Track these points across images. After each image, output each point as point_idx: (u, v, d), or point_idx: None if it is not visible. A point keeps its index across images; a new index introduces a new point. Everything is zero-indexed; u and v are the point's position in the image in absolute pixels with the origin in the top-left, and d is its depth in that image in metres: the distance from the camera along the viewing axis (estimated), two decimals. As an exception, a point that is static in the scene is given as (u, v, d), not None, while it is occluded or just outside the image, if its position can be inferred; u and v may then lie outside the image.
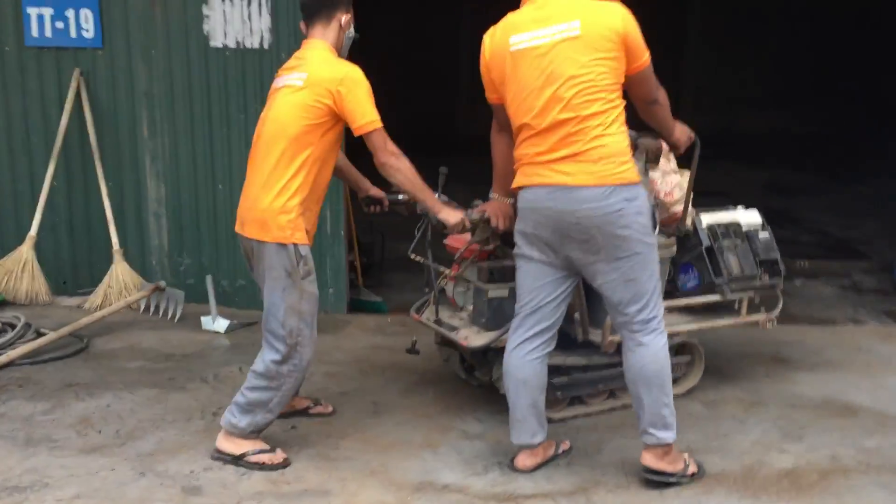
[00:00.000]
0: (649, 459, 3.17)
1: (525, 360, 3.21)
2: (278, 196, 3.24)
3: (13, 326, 4.59)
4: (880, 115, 13.48)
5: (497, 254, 3.64)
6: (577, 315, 3.59)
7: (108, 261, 5.48)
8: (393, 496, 3.16)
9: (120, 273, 5.34)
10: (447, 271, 3.80)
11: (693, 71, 15.22)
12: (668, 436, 3.12)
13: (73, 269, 5.68)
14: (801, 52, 15.26)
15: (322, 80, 3.23)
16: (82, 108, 5.46)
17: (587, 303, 3.55)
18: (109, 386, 4.16)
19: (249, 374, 3.39)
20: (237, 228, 3.43)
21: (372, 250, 6.28)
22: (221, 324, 5.00)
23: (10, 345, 4.44)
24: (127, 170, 5.62)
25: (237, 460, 3.33)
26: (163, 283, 5.23)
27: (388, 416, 3.85)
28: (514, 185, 3.21)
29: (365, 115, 3.22)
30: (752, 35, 15.09)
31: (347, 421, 3.80)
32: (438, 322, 3.77)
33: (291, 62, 3.41)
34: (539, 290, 3.18)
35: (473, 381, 4.04)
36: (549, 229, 3.07)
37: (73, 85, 5.44)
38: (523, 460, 3.32)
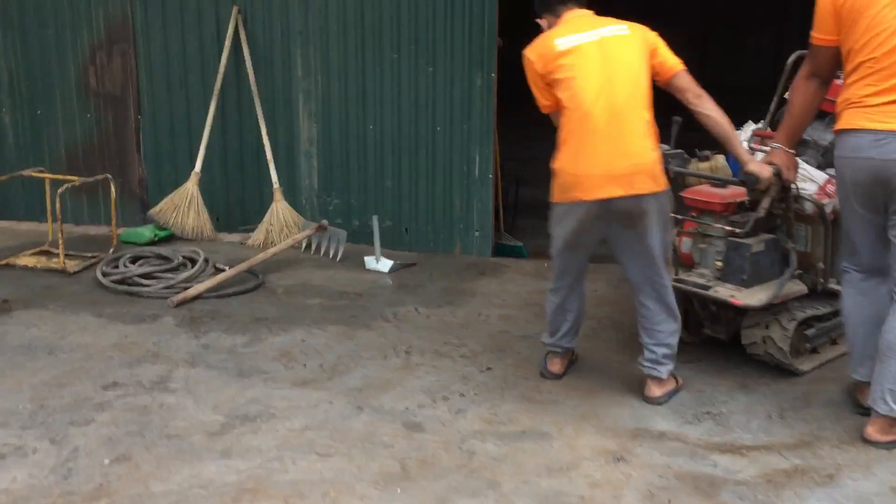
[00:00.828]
0: (873, 433, 3.13)
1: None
2: (655, 144, 3.30)
3: (194, 261, 4.70)
4: None
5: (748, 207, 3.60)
6: (820, 264, 3.57)
7: (262, 199, 5.58)
8: (613, 442, 3.19)
9: (280, 211, 5.42)
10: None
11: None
12: None
13: (227, 206, 5.79)
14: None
15: (638, 28, 3.34)
16: (240, 47, 5.50)
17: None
18: (297, 321, 4.25)
19: (656, 322, 3.44)
20: (590, 194, 3.23)
21: (506, 195, 6.28)
22: (385, 264, 5.06)
23: (195, 278, 4.55)
24: (280, 109, 5.66)
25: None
26: (325, 223, 5.29)
27: (579, 361, 3.85)
28: (837, 128, 3.16)
29: (674, 57, 3.34)
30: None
31: (540, 365, 3.82)
32: (680, 280, 3.67)
33: (588, 23, 3.36)
34: (865, 237, 3.19)
35: (696, 339, 3.96)
36: (870, 178, 3.02)
37: (232, 23, 5.47)
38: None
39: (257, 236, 5.39)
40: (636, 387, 3.59)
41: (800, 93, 3.33)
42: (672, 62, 3.33)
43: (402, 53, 5.45)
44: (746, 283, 3.53)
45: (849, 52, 3.07)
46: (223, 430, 3.20)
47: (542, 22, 3.48)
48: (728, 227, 3.60)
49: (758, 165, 3.37)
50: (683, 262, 3.80)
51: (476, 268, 5.20)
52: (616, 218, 3.29)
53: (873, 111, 2.98)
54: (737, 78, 12.92)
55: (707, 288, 3.58)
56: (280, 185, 5.52)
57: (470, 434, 3.22)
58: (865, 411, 3.25)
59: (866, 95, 3.00)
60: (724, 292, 3.54)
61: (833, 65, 3.22)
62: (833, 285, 3.62)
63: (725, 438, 3.23)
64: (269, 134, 5.56)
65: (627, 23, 3.34)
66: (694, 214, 3.73)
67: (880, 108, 2.96)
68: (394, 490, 2.84)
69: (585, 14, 3.41)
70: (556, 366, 3.69)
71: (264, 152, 5.51)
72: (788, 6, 13.35)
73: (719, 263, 3.64)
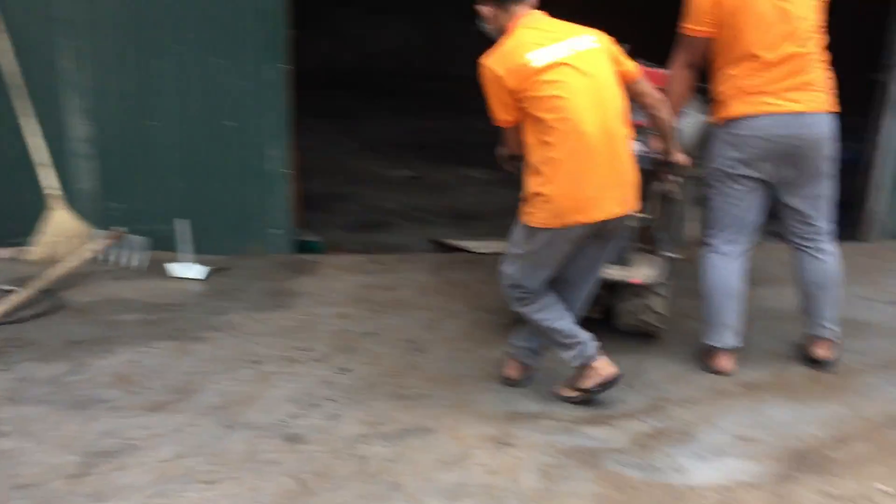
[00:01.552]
0: (822, 352, 3.80)
1: (733, 270, 3.69)
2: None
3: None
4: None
5: None
6: (661, 234, 3.98)
7: (33, 208, 5.00)
8: (493, 428, 3.27)
9: (61, 219, 4.90)
10: None
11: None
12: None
13: (-10, 217, 5.11)
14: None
15: (602, 37, 3.27)
16: (-5, 36, 4.87)
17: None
18: (118, 340, 3.89)
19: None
20: (590, 216, 3.14)
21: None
22: (199, 270, 4.76)
23: (-21, 304, 4.00)
24: (46, 106, 5.08)
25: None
26: (123, 230, 4.86)
27: (431, 353, 3.90)
28: (733, 113, 3.51)
29: (632, 62, 3.35)
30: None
31: (394, 360, 3.82)
32: None
33: (551, 32, 3.18)
34: (748, 210, 3.64)
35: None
36: (773, 153, 3.49)
37: (-17, 9, 4.82)
38: (725, 363, 3.76)
39: (38, 250, 4.82)
40: (491, 372, 3.70)
41: (680, 82, 3.63)
42: (633, 68, 3.30)
43: (186, 44, 5.11)
44: (628, 262, 3.82)
45: (737, 46, 3.47)
46: (84, 470, 2.87)
47: (487, 10, 3.26)
48: None
49: (682, 156, 3.64)
50: None
51: (288, 267, 5.05)
52: (602, 233, 3.25)
53: (776, 97, 3.46)
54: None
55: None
56: (55, 190, 4.96)
57: (354, 439, 3.15)
58: (715, 372, 3.73)
59: (763, 83, 3.45)
60: (621, 273, 3.78)
61: (705, 54, 3.61)
62: (668, 253, 4.01)
63: (590, 412, 3.43)
64: (34, 134, 4.97)
65: (590, 31, 3.24)
66: None
67: (783, 93, 3.47)
68: (301, 508, 2.71)
69: (541, 17, 3.24)
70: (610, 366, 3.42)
71: (29, 154, 4.92)
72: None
73: None
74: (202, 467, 2.91)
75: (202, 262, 4.87)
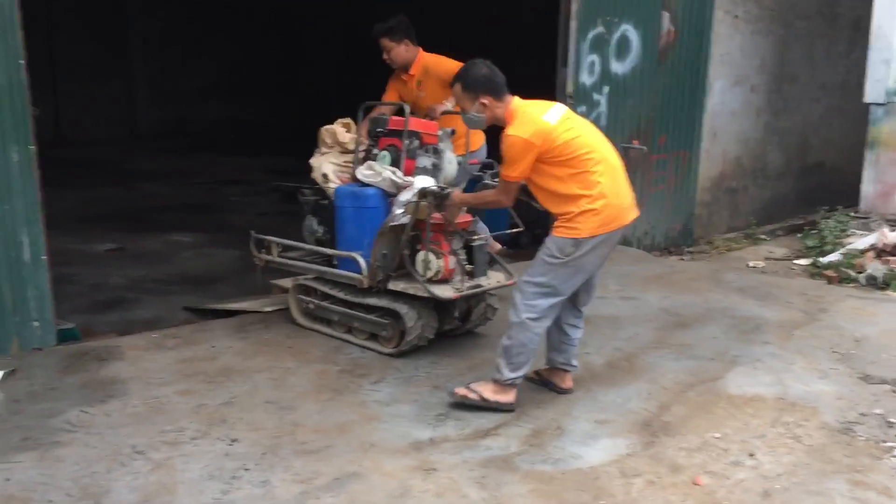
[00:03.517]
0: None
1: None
2: None
3: None
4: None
5: None
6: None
7: None
8: (410, 459, 3.60)
9: None
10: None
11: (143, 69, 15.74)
12: None
13: None
14: (246, 51, 16.82)
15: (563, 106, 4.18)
16: None
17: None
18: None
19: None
20: (626, 220, 4.03)
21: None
22: (-8, 376, 4.32)
23: None
24: None
25: None
26: None
27: (300, 409, 4.06)
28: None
29: None
30: (201, 35, 16.08)
31: (272, 422, 3.92)
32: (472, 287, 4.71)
33: (539, 105, 4.07)
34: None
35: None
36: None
37: None
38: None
39: None
40: (365, 413, 4.01)
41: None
42: None
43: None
44: (486, 272, 4.73)
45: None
46: None
47: (484, 103, 4.00)
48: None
49: None
50: (447, 277, 4.58)
51: (80, 357, 4.75)
52: (621, 236, 4.15)
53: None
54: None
55: (480, 286, 4.70)
56: None
57: (298, 499, 3.28)
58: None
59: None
60: (493, 280, 4.80)
61: None
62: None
63: (473, 428, 3.90)
64: None
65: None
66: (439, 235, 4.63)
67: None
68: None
69: (520, 99, 4.08)
70: (514, 395, 4.11)
71: None
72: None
73: (469, 266, 4.71)
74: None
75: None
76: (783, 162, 9.90)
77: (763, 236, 8.76)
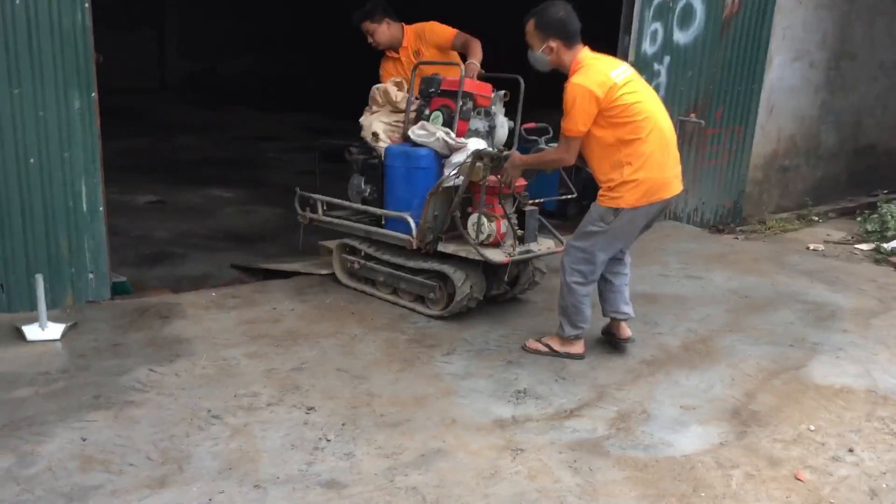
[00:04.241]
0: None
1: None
2: None
3: None
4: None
5: None
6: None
7: None
8: (496, 437, 3.46)
9: None
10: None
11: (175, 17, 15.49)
12: None
13: None
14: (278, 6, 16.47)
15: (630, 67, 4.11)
16: None
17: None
18: (39, 420, 3.38)
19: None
20: (668, 193, 4.02)
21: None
22: (54, 329, 4.19)
23: None
24: None
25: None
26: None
27: (373, 379, 3.93)
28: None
29: None
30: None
31: (346, 391, 3.80)
32: (524, 252, 4.66)
33: (608, 61, 4.03)
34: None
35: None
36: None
37: None
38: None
39: None
40: (441, 386, 3.87)
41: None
42: None
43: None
44: (536, 237, 4.72)
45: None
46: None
47: (552, 46, 3.96)
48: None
49: None
50: (498, 241, 4.50)
51: (141, 313, 4.62)
52: (664, 209, 4.19)
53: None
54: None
55: (530, 251, 4.60)
56: None
57: (387, 473, 3.15)
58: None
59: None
60: (543, 246, 4.72)
61: None
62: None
63: (555, 408, 3.77)
64: None
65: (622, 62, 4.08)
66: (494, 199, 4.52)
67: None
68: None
69: (590, 51, 4.02)
70: (582, 346, 4.27)
71: None
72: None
73: (520, 231, 4.60)
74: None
75: (17, 320, 4.29)
76: (836, 142, 9.63)
77: (815, 218, 8.54)
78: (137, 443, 3.24)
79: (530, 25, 4.01)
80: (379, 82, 5.42)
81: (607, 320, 4.41)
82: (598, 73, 3.88)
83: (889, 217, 7.37)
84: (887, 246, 6.90)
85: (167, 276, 5.74)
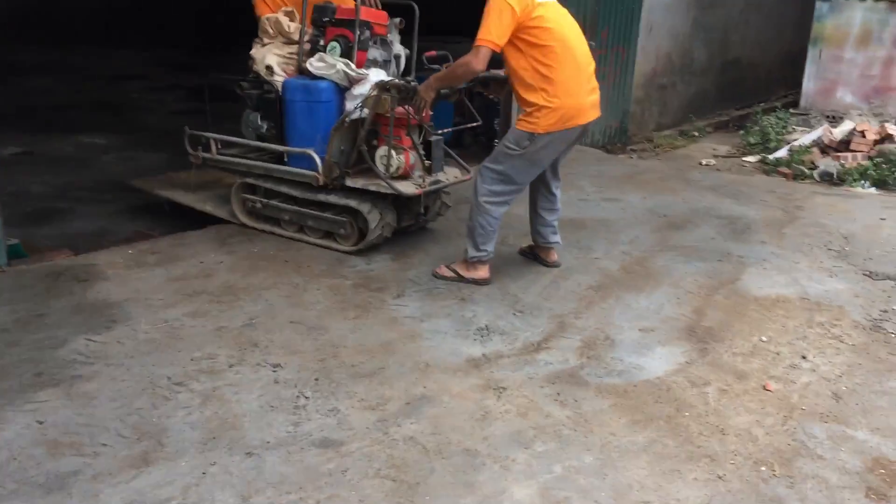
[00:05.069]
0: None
1: None
2: None
3: None
4: None
5: None
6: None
7: None
8: (474, 378, 3.42)
9: None
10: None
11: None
12: None
13: None
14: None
15: None
16: None
17: None
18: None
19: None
20: (584, 120, 4.06)
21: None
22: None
23: None
24: None
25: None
26: None
27: (332, 330, 3.79)
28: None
29: None
30: None
31: (308, 344, 3.64)
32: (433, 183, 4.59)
33: None
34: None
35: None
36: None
37: None
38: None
39: None
40: (403, 329, 3.78)
41: None
42: None
43: None
44: (443, 167, 4.67)
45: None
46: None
47: None
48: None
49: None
50: (407, 173, 4.41)
51: (55, 277, 4.24)
52: (581, 134, 4.19)
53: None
54: None
55: (440, 181, 4.54)
56: None
57: (378, 427, 3.05)
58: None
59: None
60: (451, 175, 4.70)
61: None
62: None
63: (522, 342, 3.76)
64: None
65: None
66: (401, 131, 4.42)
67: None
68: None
69: None
70: (487, 271, 4.31)
71: None
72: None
73: (427, 162, 4.53)
74: (282, 499, 2.60)
75: None
76: (707, 58, 9.97)
77: (696, 133, 8.86)
78: (102, 420, 2.98)
79: None
80: (255, 14, 5.11)
81: (529, 241, 4.65)
82: None
83: (769, 129, 7.73)
84: (772, 157, 7.25)
85: (59, 235, 5.30)
